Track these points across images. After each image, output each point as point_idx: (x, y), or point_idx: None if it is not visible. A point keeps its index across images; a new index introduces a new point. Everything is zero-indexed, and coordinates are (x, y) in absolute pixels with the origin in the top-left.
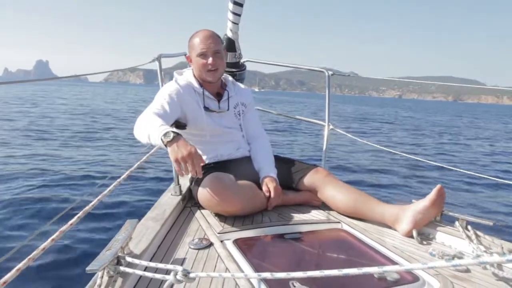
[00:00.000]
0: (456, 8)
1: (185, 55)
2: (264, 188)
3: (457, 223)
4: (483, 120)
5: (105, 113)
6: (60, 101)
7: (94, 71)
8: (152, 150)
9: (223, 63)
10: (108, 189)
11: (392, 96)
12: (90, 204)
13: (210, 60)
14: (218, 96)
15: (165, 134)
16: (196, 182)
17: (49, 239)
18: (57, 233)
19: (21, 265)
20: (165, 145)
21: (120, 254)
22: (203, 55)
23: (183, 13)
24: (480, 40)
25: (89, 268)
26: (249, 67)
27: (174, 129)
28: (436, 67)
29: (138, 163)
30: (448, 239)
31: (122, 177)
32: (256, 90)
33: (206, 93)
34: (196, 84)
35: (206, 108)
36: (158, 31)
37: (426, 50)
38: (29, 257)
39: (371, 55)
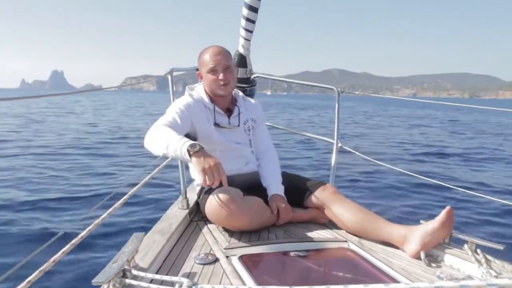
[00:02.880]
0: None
1: (196, 69)
2: (272, 205)
3: (466, 246)
4: None
5: None
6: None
7: (107, 79)
8: (163, 163)
9: (234, 78)
10: (117, 203)
11: (406, 95)
12: (97, 220)
13: (221, 75)
14: (229, 111)
15: (191, 145)
16: (204, 195)
17: (69, 244)
18: (85, 233)
19: (31, 277)
20: (190, 156)
21: (126, 267)
22: (213, 70)
23: (193, 21)
24: (495, 32)
25: (95, 281)
26: (261, 70)
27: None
28: (451, 64)
29: (148, 177)
30: (456, 262)
31: (131, 191)
32: (268, 93)
33: (217, 108)
34: (207, 100)
35: (217, 124)
36: (169, 37)
37: (440, 47)
38: (40, 269)
39: (382, 53)
